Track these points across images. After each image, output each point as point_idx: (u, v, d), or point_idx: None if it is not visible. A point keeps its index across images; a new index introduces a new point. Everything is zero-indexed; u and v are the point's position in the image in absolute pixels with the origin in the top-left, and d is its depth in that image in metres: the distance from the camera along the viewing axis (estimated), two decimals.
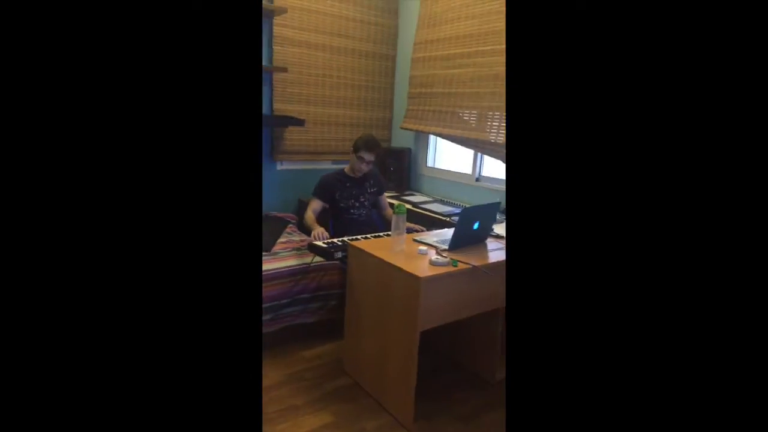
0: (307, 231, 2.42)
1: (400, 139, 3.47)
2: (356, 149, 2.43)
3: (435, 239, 2.02)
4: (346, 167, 2.59)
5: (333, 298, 2.34)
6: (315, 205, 2.49)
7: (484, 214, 1.99)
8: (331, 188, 2.50)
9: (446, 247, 1.88)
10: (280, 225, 2.79)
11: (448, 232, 2.17)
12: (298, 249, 2.48)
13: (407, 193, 3.24)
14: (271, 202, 3.12)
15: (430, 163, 3.37)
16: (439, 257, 1.75)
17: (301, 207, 3.17)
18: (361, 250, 1.88)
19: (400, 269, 1.67)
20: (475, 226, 1.97)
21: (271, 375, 2.01)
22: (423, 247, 1.86)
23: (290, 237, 2.68)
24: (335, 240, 2.17)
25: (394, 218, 1.84)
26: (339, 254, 2.03)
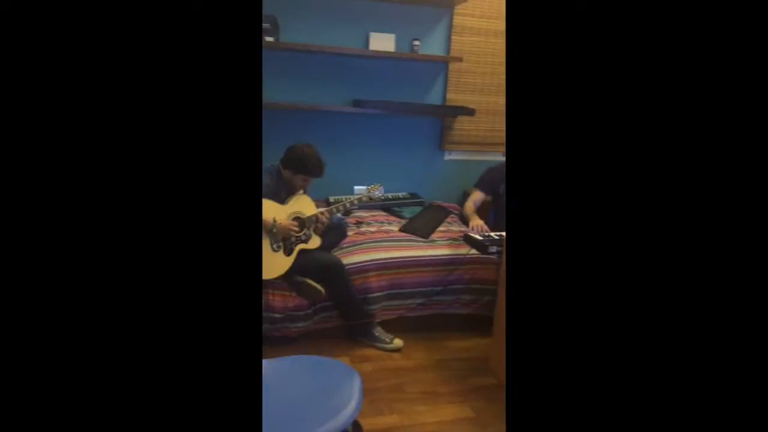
0: (465, 221, 2.39)
1: None
2: None
3: None
4: None
5: (486, 293, 2.27)
6: (476, 197, 2.44)
7: None
8: (496, 181, 2.41)
9: None
10: (442, 214, 2.82)
11: None
12: (454, 239, 2.47)
13: None
14: (437, 192, 3.17)
15: None
16: None
17: (466, 198, 3.14)
18: None
19: None
20: None
21: (417, 356, 2.07)
22: None
23: (449, 227, 2.69)
24: (493, 234, 2.10)
25: None
26: (494, 249, 1.96)
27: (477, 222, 2.23)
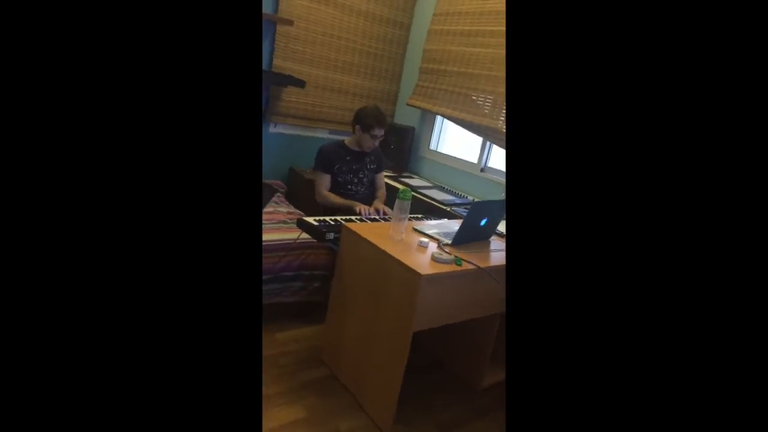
0: (330, 210, 2.20)
1: (405, 117, 3.26)
2: (368, 126, 2.19)
3: (436, 230, 1.86)
4: (347, 139, 2.38)
5: (316, 279, 2.17)
6: (326, 181, 2.27)
7: (494, 210, 1.83)
8: (332, 160, 2.29)
9: (449, 242, 1.72)
10: (268, 193, 2.58)
11: (449, 224, 2.00)
12: (284, 222, 2.28)
13: (405, 174, 3.05)
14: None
15: (433, 146, 3.18)
16: (442, 253, 1.59)
17: (293, 176, 2.95)
18: (357, 234, 1.70)
19: (399, 262, 1.50)
20: (483, 222, 1.80)
21: None
22: (424, 239, 1.70)
23: (277, 207, 2.48)
24: (327, 218, 1.99)
25: (397, 203, 1.66)
26: (331, 235, 1.85)
27: (364, 207, 2.11)
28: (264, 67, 2.72)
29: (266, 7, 2.61)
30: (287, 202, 2.64)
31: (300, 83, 2.70)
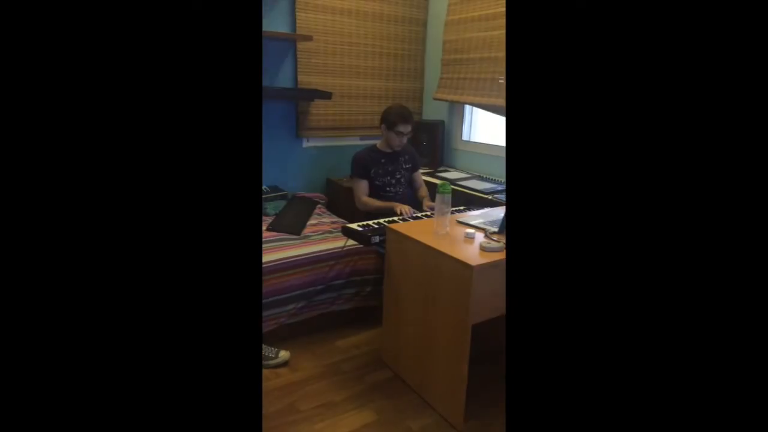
0: (372, 215, 2.22)
1: (433, 112, 3.24)
2: (392, 124, 2.22)
3: (480, 220, 1.83)
4: (378, 143, 2.40)
5: (368, 283, 2.19)
6: (363, 187, 2.31)
7: None
8: (366, 165, 2.32)
9: (495, 229, 1.69)
10: (309, 206, 2.64)
11: (493, 212, 1.97)
12: (329, 232, 2.32)
13: (441, 169, 3.03)
14: (298, 182, 2.96)
15: (465, 137, 3.14)
16: (490, 242, 1.56)
17: (331, 186, 3.01)
18: (402, 234, 1.70)
19: (448, 256, 1.49)
20: None
21: (306, 367, 1.89)
22: (470, 230, 1.68)
23: (320, 219, 2.53)
24: (371, 222, 2.01)
25: (438, 197, 1.66)
26: (376, 239, 1.87)
27: (404, 207, 2.13)
28: (289, 84, 2.79)
29: (284, 27, 2.67)
30: (329, 213, 2.68)
31: (326, 95, 2.75)
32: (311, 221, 2.46)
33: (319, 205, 2.73)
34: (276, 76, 2.74)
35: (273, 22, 2.63)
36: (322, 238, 2.25)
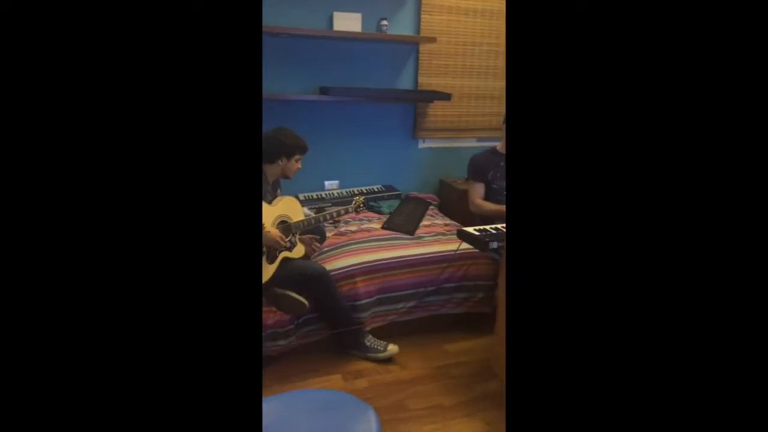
0: (486, 219, 2.19)
1: None
2: None
3: None
4: (497, 145, 2.33)
5: (480, 289, 2.13)
6: (479, 190, 2.28)
7: None
8: (484, 168, 2.26)
9: None
10: (423, 207, 2.65)
11: None
12: (443, 234, 2.31)
13: None
14: (412, 182, 3.00)
15: None
16: None
17: (444, 188, 2.99)
18: None
19: None
20: None
21: (414, 366, 1.91)
22: None
23: (433, 220, 2.53)
24: (488, 227, 1.94)
25: None
26: (494, 244, 1.81)
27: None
28: (409, 86, 2.83)
29: (408, 30, 2.72)
30: (441, 215, 2.67)
31: (446, 96, 2.74)
32: (424, 222, 2.47)
33: (432, 206, 2.73)
34: (396, 79, 2.80)
35: (397, 26, 2.69)
36: (435, 239, 2.25)
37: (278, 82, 2.55)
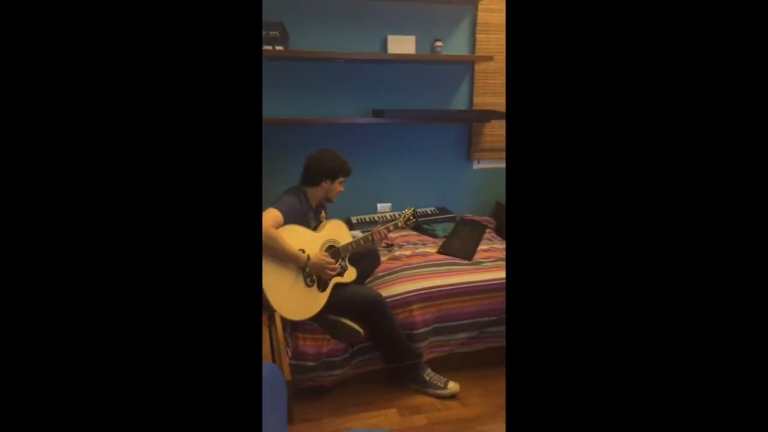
0: None
1: None
2: None
3: None
4: None
5: None
6: None
7: None
8: None
9: None
10: (479, 230, 2.54)
11: None
12: (503, 259, 2.18)
13: None
14: (466, 204, 2.90)
15: None
16: None
17: (500, 210, 2.86)
18: None
19: None
20: None
21: (476, 403, 1.77)
22: None
23: (491, 244, 2.40)
24: None
25: None
26: None
27: None
28: (464, 107, 2.76)
29: (463, 50, 2.67)
30: (500, 238, 2.54)
31: (501, 116, 2.64)
32: (482, 246, 2.35)
33: (488, 230, 2.61)
34: (451, 99, 2.74)
35: (451, 46, 2.64)
36: (496, 265, 2.12)
37: (332, 107, 2.56)
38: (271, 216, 1.64)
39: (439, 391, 1.80)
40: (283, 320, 1.68)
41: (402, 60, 2.54)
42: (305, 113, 2.53)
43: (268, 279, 1.62)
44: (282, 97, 2.49)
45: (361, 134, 2.65)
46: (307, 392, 1.77)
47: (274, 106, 2.49)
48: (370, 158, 2.70)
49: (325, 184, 1.86)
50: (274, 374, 0.99)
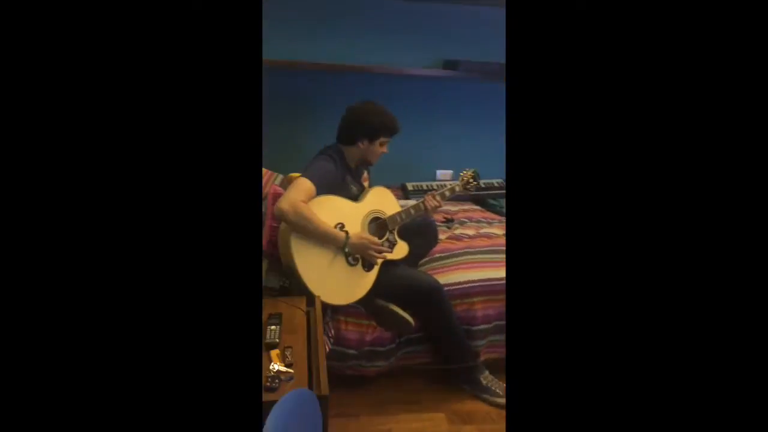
0: None
1: None
2: None
3: None
4: None
5: None
6: None
7: None
8: None
9: None
10: None
11: None
12: None
13: None
14: None
15: None
16: None
17: None
18: None
19: None
20: None
21: None
22: None
23: None
24: None
25: None
26: None
27: None
28: None
29: None
30: None
31: None
32: None
33: None
34: None
35: None
36: None
37: (394, 53, 2.22)
38: (301, 188, 1.39)
39: (497, 399, 1.56)
40: (323, 302, 1.46)
41: (480, 2, 2.13)
42: (357, 60, 2.20)
43: (301, 258, 1.40)
44: (333, 41, 2.17)
45: (428, 89, 2.31)
46: (346, 381, 1.58)
47: (321, 49, 2.17)
48: (434, 117, 2.37)
49: (362, 144, 1.55)
50: (310, 401, 0.77)
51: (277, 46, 2.07)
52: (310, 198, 1.42)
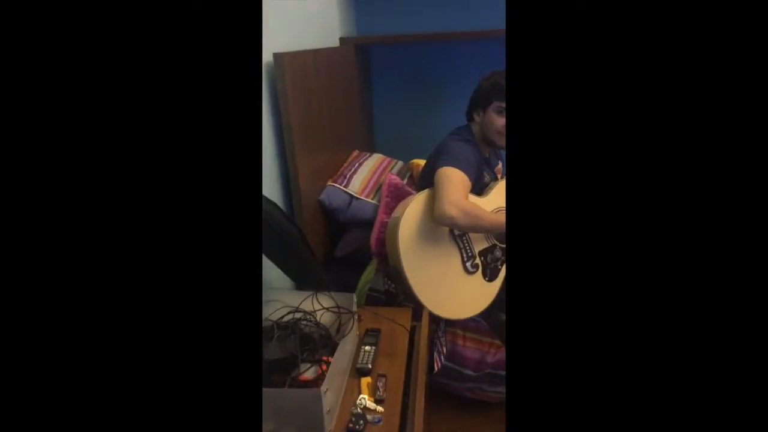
0: None
1: None
2: None
3: None
4: None
5: None
6: None
7: None
8: None
9: None
10: None
11: None
12: None
13: None
14: None
15: None
16: None
17: None
18: None
19: None
20: None
21: None
22: None
23: None
24: None
25: None
26: None
27: None
28: None
29: None
30: None
31: None
32: None
33: None
34: None
35: None
36: None
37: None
38: (458, 184, 1.13)
39: None
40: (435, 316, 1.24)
41: None
42: (471, 25, 1.85)
43: (409, 261, 1.18)
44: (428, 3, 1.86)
45: None
46: (466, 402, 1.36)
47: (418, 19, 1.88)
48: None
49: (477, 117, 1.25)
50: None
51: (372, 21, 1.88)
52: (468, 191, 1.18)
